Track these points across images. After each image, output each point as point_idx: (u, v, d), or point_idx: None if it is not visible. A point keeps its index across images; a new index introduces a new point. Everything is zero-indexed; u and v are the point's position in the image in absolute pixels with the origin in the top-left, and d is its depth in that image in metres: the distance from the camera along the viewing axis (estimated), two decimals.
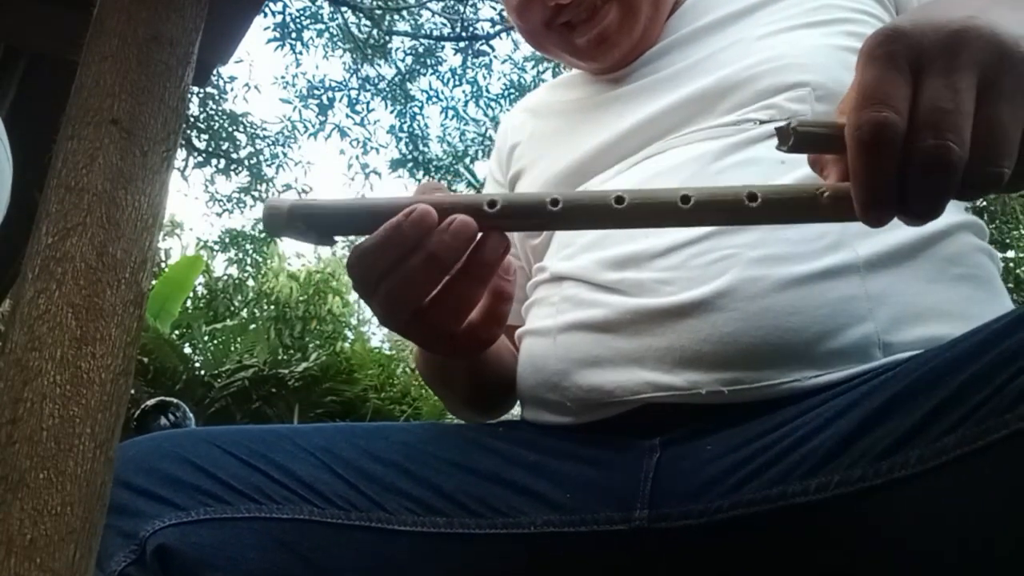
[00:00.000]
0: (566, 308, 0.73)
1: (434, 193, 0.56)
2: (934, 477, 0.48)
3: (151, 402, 4.33)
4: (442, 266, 0.54)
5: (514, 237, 0.92)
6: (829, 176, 0.49)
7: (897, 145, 0.42)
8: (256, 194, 10.16)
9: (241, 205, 10.39)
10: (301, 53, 8.84)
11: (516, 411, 0.86)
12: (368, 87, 9.35)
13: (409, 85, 9.38)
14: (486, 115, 9.73)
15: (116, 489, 0.63)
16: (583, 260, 0.74)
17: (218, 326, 9.39)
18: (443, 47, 9.24)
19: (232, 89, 9.13)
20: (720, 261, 0.65)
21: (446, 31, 8.85)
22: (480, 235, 0.55)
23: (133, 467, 0.68)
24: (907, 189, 0.43)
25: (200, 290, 11.18)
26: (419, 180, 10.06)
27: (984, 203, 7.86)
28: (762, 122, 0.72)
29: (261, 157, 9.75)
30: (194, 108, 8.51)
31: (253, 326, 9.79)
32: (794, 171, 0.68)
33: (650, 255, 0.68)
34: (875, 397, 0.54)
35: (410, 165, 9.85)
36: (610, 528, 0.62)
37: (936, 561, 0.49)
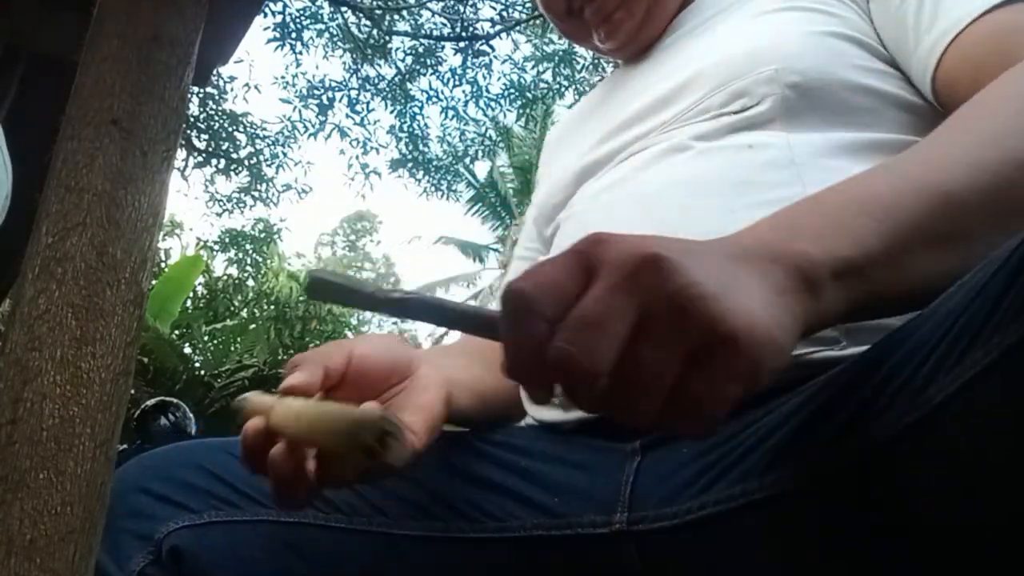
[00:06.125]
0: None
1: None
2: (876, 463, 0.48)
3: (151, 402, 4.33)
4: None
5: (532, 230, 0.96)
6: None
7: (531, 325, 0.40)
8: (256, 194, 10.17)
9: (241, 205, 10.37)
10: (301, 53, 8.84)
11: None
12: (368, 87, 9.35)
13: (409, 85, 9.38)
14: (486, 115, 9.74)
15: (136, 495, 0.71)
16: None
17: (218, 326, 9.40)
18: (443, 47, 9.24)
19: (232, 89, 9.12)
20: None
21: (446, 31, 8.86)
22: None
23: (152, 474, 0.73)
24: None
25: (200, 290, 11.18)
26: (419, 180, 10.06)
27: None
28: (735, 113, 0.72)
29: (261, 157, 9.74)
30: (194, 108, 8.52)
31: (253, 326, 9.80)
32: (763, 155, 0.68)
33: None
34: (826, 389, 0.55)
35: (410, 165, 9.85)
36: (592, 531, 0.64)
37: (898, 548, 0.49)
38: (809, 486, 0.52)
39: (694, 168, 0.71)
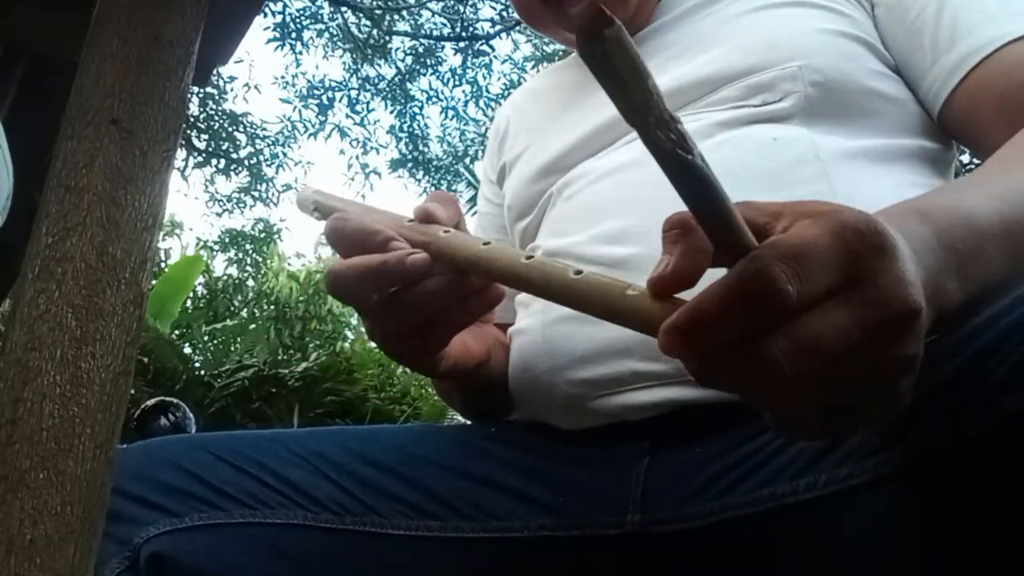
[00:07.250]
0: None
1: (443, 209, 0.58)
2: (920, 472, 0.47)
3: (151, 402, 4.33)
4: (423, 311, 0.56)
5: (503, 220, 0.92)
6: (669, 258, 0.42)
7: (767, 305, 0.34)
8: (256, 194, 10.17)
9: (241, 205, 10.40)
10: (301, 53, 8.86)
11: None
12: (368, 87, 9.36)
13: (409, 85, 9.39)
14: (486, 115, 9.74)
15: (110, 496, 0.64)
16: (576, 236, 0.73)
17: (218, 326, 9.40)
18: (443, 47, 9.25)
19: (232, 89, 9.14)
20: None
21: (446, 31, 8.86)
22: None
23: (127, 474, 0.68)
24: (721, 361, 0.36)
25: (200, 290, 11.18)
26: (419, 180, 10.06)
27: None
28: (755, 107, 0.71)
29: (261, 157, 9.76)
30: (194, 108, 8.51)
31: (253, 326, 9.79)
32: (790, 150, 0.67)
33: (644, 229, 0.67)
34: None
35: (410, 165, 9.85)
36: (603, 532, 0.62)
37: (925, 557, 0.49)
38: (844, 493, 0.51)
39: (719, 156, 0.68)
